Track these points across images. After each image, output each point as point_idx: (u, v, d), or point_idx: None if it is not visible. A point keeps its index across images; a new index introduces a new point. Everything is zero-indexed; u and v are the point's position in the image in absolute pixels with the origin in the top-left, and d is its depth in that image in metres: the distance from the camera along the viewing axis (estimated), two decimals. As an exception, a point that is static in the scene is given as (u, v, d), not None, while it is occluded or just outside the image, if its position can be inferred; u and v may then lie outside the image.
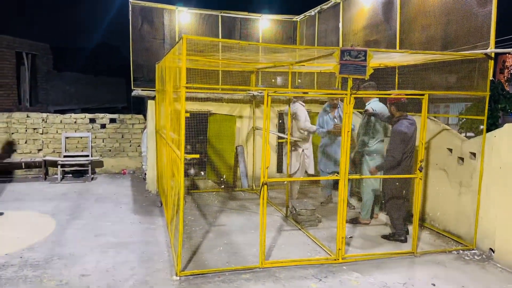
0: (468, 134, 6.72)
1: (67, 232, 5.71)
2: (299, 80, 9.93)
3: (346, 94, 4.62)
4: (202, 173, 7.97)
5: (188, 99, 8.17)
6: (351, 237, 5.69)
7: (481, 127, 5.44)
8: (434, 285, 4.35)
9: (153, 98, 8.04)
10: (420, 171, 5.02)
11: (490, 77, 5.10)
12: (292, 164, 6.65)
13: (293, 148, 6.69)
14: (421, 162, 5.00)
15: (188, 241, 5.39)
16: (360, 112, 7.43)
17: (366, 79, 4.65)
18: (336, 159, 6.45)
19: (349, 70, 4.57)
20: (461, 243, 5.52)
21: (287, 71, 8.60)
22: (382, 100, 5.87)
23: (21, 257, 4.81)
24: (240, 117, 8.40)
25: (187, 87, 4.11)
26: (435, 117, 6.25)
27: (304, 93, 6.66)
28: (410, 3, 6.62)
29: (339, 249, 4.86)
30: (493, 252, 5.09)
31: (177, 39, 9.68)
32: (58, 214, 6.50)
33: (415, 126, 5.33)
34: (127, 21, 9.21)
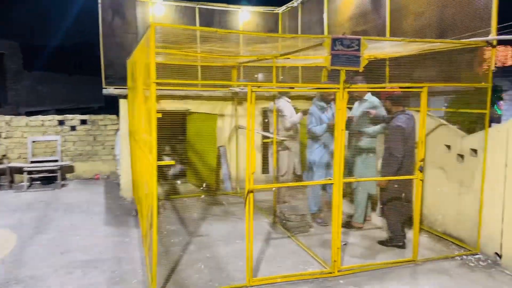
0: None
1: (29, 249, 5.07)
2: (281, 77, 9.40)
3: (339, 89, 4.12)
4: (179, 181, 7.37)
5: (164, 97, 7.61)
6: (345, 244, 5.22)
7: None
8: (441, 299, 3.91)
9: (125, 96, 7.41)
10: (420, 171, 4.57)
11: (493, 67, 4.68)
12: (279, 166, 6.14)
13: (279, 148, 6.18)
14: (421, 161, 4.55)
15: (165, 255, 4.83)
16: (350, 108, 6.97)
17: (360, 71, 4.16)
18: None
19: (341, 61, 4.07)
20: (463, 247, 5.11)
21: (270, 66, 8.10)
22: (375, 95, 5.41)
23: (-28, 283, 4.18)
24: (222, 115, 7.84)
25: (158, 84, 3.54)
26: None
27: (291, 88, 6.10)
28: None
29: (335, 261, 4.37)
30: (499, 257, 4.69)
31: (151, 34, 9.04)
32: (21, 228, 5.84)
33: (413, 122, 4.89)
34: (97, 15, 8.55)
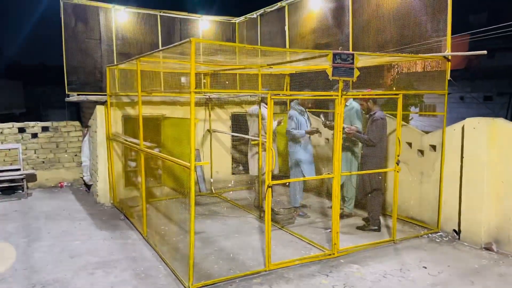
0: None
1: (35, 256, 5.08)
2: (227, 82, 9.89)
3: (338, 96, 4.83)
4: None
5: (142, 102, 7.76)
6: (330, 230, 5.95)
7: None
8: (425, 267, 4.78)
9: (103, 103, 7.46)
10: (397, 164, 5.45)
11: (448, 77, 5.72)
12: (260, 165, 6.72)
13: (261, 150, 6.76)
14: (398, 156, 5.43)
15: (177, 252, 5.16)
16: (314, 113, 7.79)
17: (354, 80, 4.91)
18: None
19: (339, 73, 4.79)
20: (426, 227, 6.10)
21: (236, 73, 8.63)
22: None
23: (-6, 291, 4.18)
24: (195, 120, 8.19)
25: (195, 92, 3.94)
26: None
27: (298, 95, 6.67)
28: (363, 9, 7.07)
29: (335, 243, 5.07)
30: (456, 233, 5.73)
31: (114, 39, 9.11)
32: (11, 238, 5.74)
33: (385, 121, 5.80)
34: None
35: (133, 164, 8.35)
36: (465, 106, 23.67)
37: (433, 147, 6.07)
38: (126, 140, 6.47)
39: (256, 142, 6.63)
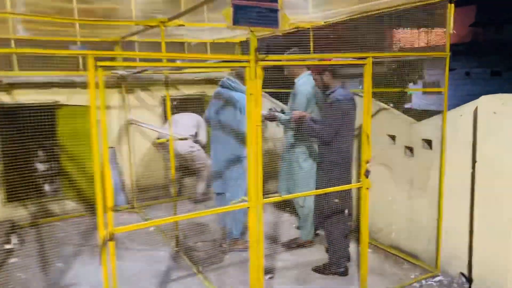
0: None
1: None
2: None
3: (249, 62, 2.65)
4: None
5: (16, 85, 5.60)
6: (271, 277, 3.85)
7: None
8: None
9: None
10: (367, 177, 3.28)
11: (451, 29, 3.51)
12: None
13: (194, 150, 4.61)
14: (367, 163, 3.25)
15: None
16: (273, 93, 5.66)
17: (280, 34, 2.73)
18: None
19: (248, 18, 2.59)
20: (419, 266, 3.99)
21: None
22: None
23: None
24: (107, 108, 6.02)
25: None
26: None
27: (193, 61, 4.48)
28: None
29: (258, 318, 2.95)
30: (466, 279, 3.62)
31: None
32: None
33: (353, 101, 3.64)
34: None
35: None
36: (471, 82, 21.88)
37: (428, 143, 3.91)
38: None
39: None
